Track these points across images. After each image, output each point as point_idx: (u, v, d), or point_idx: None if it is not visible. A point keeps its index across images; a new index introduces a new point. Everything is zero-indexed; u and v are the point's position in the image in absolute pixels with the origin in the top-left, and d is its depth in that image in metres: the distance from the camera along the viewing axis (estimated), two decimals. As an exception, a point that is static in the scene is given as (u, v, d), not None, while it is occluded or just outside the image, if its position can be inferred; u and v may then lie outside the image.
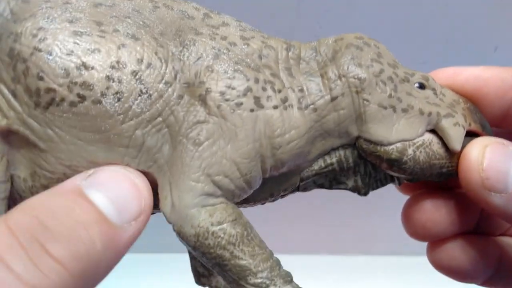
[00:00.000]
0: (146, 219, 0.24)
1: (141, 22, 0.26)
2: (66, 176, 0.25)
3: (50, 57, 0.24)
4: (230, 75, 0.26)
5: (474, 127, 0.28)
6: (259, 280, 0.25)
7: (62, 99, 0.24)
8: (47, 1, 0.25)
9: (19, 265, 0.20)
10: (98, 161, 0.25)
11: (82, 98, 0.24)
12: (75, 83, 0.24)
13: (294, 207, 0.68)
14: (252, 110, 0.25)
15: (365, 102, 0.27)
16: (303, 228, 0.72)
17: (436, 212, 0.30)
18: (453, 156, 0.28)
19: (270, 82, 0.26)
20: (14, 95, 0.24)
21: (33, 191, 0.25)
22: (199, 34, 0.26)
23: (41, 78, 0.24)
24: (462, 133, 0.28)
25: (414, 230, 0.31)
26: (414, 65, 0.30)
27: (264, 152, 0.26)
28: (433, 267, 0.32)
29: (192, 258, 0.33)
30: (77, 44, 0.24)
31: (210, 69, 0.26)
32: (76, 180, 0.23)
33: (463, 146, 0.28)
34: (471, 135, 0.28)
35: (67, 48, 0.24)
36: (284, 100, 0.26)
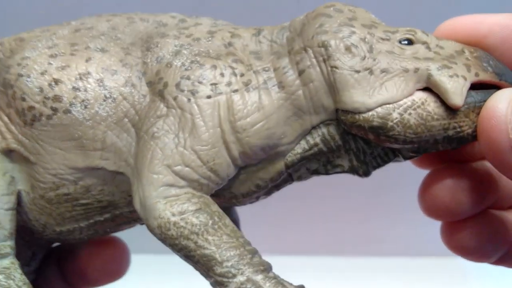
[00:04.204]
0: None
1: (113, 37, 0.28)
2: (55, 185, 0.27)
3: (29, 79, 0.27)
4: (187, 66, 0.26)
5: (485, 77, 0.24)
6: (224, 270, 0.24)
7: (41, 114, 0.27)
8: (38, 36, 0.28)
9: None
10: (78, 166, 0.27)
11: (54, 110, 0.26)
12: (48, 98, 0.26)
13: (296, 209, 0.68)
14: (209, 97, 0.25)
15: (333, 69, 0.24)
16: (304, 229, 0.71)
17: (460, 192, 0.27)
18: (459, 114, 0.24)
19: (231, 67, 0.26)
20: (9, 118, 0.28)
21: (35, 203, 0.28)
22: (164, 36, 0.27)
23: (23, 99, 0.27)
24: (463, 85, 0.23)
25: (434, 209, 0.27)
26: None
27: (226, 137, 0.25)
28: (446, 247, 0.29)
29: None
30: (51, 64, 0.27)
31: (169, 65, 0.26)
32: None
33: (478, 102, 0.23)
34: (488, 88, 0.24)
35: (42, 69, 0.27)
36: (247, 83, 0.26)
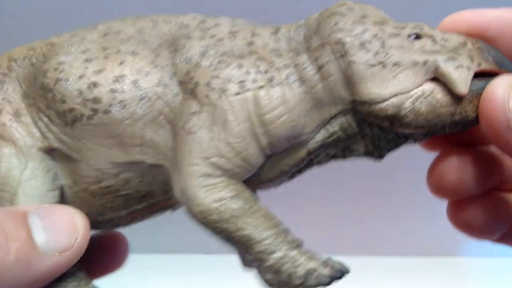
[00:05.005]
0: (73, 257, 0.27)
1: (141, 40, 0.30)
2: (98, 179, 0.30)
3: (68, 83, 0.29)
4: (215, 66, 0.28)
5: (486, 66, 0.27)
6: (264, 247, 0.27)
7: (82, 115, 0.29)
8: (69, 41, 0.30)
9: None
10: (119, 161, 0.29)
11: (95, 111, 0.29)
12: (88, 100, 0.29)
13: (295, 209, 0.68)
14: (238, 94, 0.28)
15: (351, 64, 0.27)
16: (304, 229, 0.71)
17: (466, 171, 0.29)
18: (464, 101, 0.26)
19: (255, 66, 0.28)
20: (50, 119, 0.30)
21: (78, 195, 0.30)
22: (189, 37, 0.30)
23: (64, 101, 0.29)
24: (467, 74, 0.26)
25: (440, 187, 0.30)
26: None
27: (256, 130, 0.28)
28: (451, 224, 0.31)
29: None
30: (87, 68, 0.29)
31: (198, 65, 0.28)
32: (28, 207, 0.27)
33: (480, 88, 0.26)
34: (488, 76, 0.26)
35: (80, 73, 0.29)
36: (271, 79, 0.28)
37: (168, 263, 0.67)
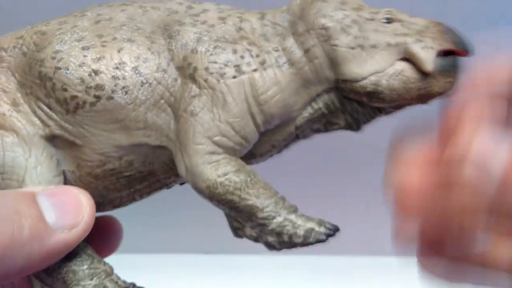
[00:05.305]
0: (81, 233, 0.29)
1: (134, 27, 0.32)
2: (102, 162, 0.31)
3: (68, 72, 0.30)
4: (211, 52, 0.31)
5: (446, 46, 0.30)
6: (266, 214, 0.29)
7: (84, 102, 0.30)
8: (59, 29, 0.32)
9: None
10: (123, 144, 0.31)
11: (98, 97, 0.30)
12: (91, 87, 0.30)
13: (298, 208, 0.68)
14: (234, 77, 0.30)
15: (334, 47, 0.30)
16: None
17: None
18: (429, 77, 0.30)
19: (248, 50, 0.31)
20: (49, 107, 0.31)
21: (81, 180, 0.32)
22: (182, 24, 0.32)
23: (65, 90, 0.30)
24: (432, 54, 0.30)
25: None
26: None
27: (252, 109, 0.30)
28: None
29: (228, 215, 0.36)
30: (86, 56, 0.30)
31: (194, 51, 0.31)
32: (34, 188, 0.29)
33: (443, 66, 0.30)
34: (448, 54, 0.30)
35: (79, 61, 0.30)
36: (263, 62, 0.31)
37: (168, 263, 0.67)
